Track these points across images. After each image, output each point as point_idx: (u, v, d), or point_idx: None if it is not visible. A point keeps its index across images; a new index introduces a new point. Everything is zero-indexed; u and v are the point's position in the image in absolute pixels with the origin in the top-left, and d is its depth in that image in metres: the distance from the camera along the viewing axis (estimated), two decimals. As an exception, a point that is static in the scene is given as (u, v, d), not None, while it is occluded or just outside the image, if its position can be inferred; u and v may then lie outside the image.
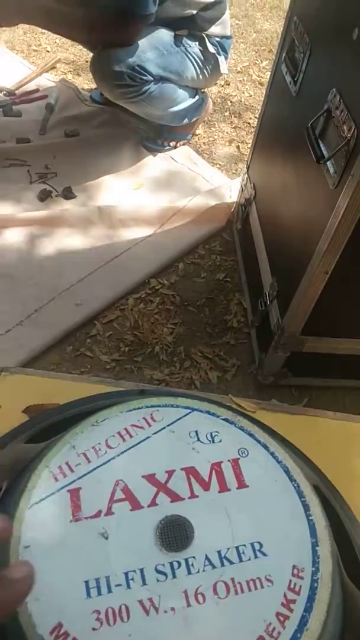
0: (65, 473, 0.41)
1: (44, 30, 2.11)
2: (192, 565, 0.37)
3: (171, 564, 0.37)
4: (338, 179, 0.83)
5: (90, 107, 1.92)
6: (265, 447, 0.45)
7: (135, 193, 1.67)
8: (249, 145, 1.50)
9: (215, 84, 2.04)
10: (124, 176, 1.71)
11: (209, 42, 1.61)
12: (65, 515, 0.39)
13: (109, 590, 0.36)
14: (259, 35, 2.61)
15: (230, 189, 1.67)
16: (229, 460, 0.43)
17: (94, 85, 1.92)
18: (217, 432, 0.46)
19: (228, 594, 0.36)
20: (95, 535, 0.38)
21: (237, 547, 0.39)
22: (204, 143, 1.93)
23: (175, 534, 0.39)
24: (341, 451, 0.60)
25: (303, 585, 0.37)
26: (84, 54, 2.21)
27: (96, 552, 0.37)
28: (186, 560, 0.37)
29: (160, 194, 1.68)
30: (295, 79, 1.06)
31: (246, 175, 1.45)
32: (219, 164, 1.85)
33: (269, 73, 1.27)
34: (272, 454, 0.44)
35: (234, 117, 2.06)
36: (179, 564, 0.37)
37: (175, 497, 0.41)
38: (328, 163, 0.87)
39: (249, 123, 2.03)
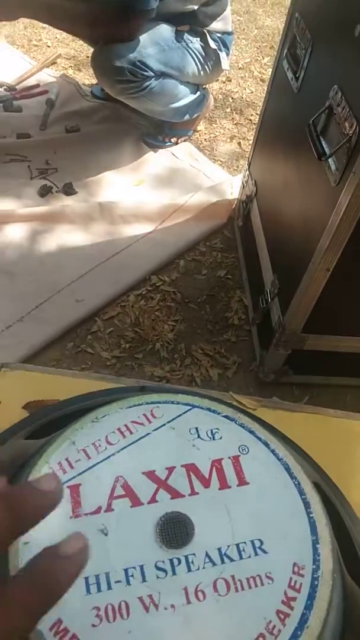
0: (65, 469, 0.41)
1: (44, 25, 2.11)
2: (192, 562, 0.37)
3: (171, 560, 0.37)
4: (339, 176, 0.83)
5: (91, 102, 1.91)
6: (266, 444, 0.45)
7: (136, 189, 1.67)
8: (251, 142, 1.50)
9: (217, 80, 2.03)
10: (124, 172, 1.71)
11: (210, 38, 1.60)
12: (65, 512, 0.38)
13: (109, 587, 0.35)
14: (260, 32, 2.60)
15: (231, 186, 1.66)
16: (229, 457, 0.43)
17: (94, 81, 1.91)
18: (217, 429, 0.45)
19: (228, 592, 0.36)
20: (95, 531, 0.38)
21: (237, 545, 0.38)
22: (205, 139, 1.92)
23: (175, 531, 0.39)
24: (342, 449, 0.60)
25: (303, 583, 0.37)
26: (85, 49, 2.20)
27: (96, 548, 0.37)
28: (186, 557, 0.37)
29: (161, 191, 1.68)
30: (297, 75, 1.05)
31: (247, 172, 1.44)
32: (220, 161, 1.85)
33: (271, 69, 1.27)
34: (272, 451, 0.44)
35: (236, 113, 2.05)
36: (179, 561, 0.37)
37: (175, 494, 0.41)
38: (329, 160, 0.86)
39: (250, 120, 2.02)
